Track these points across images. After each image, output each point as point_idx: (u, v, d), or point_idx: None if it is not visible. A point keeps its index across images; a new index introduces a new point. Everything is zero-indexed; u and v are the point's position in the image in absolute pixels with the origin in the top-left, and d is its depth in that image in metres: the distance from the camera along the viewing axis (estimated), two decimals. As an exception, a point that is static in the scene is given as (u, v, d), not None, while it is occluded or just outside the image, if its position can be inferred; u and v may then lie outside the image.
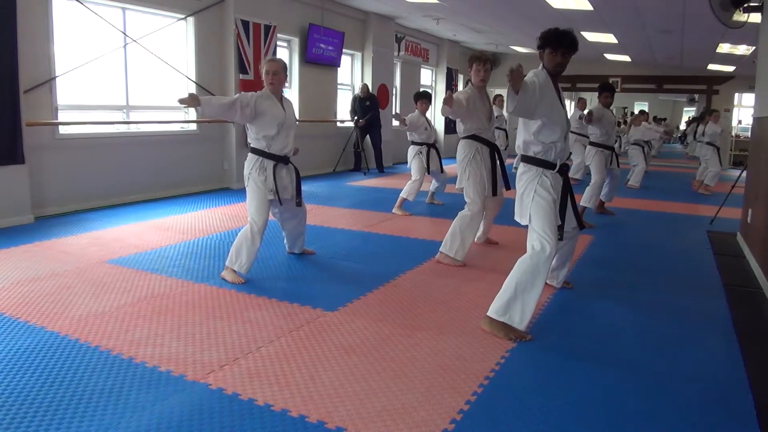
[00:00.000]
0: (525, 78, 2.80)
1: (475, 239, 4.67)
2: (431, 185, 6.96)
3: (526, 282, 2.88)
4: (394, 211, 6.31)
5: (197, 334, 2.88)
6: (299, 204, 4.04)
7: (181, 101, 3.48)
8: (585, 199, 5.96)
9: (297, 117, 4.03)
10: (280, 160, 3.84)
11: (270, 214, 3.90)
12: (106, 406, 2.17)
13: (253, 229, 3.72)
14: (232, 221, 5.69)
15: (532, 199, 3.00)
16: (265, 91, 3.77)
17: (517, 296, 2.89)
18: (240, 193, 7.46)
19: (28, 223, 5.34)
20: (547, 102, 2.94)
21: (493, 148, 4.37)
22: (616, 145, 14.42)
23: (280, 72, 3.77)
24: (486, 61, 4.24)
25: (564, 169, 3.11)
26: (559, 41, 2.94)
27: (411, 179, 6.38)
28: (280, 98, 3.83)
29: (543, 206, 2.97)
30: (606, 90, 6.02)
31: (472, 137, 4.32)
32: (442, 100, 4.03)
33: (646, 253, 4.97)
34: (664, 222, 6.50)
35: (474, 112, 4.25)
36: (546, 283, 3.67)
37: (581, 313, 3.39)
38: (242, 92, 3.74)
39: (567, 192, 3.13)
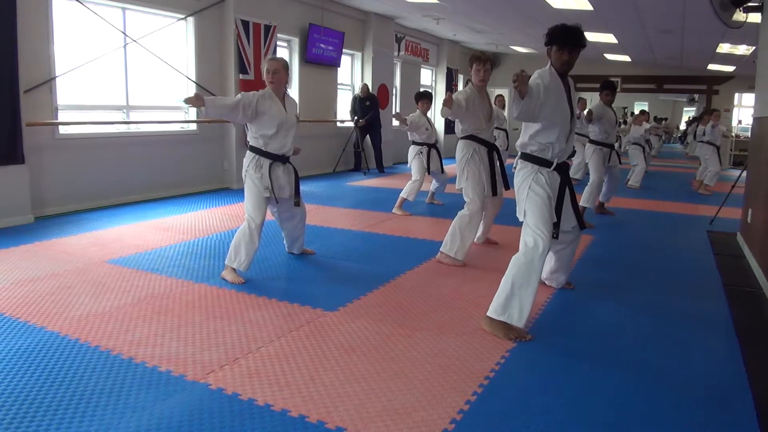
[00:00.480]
0: (529, 81, 2.78)
1: (475, 240, 4.67)
2: (431, 185, 6.96)
3: (522, 279, 2.88)
4: (394, 210, 6.32)
5: (197, 334, 2.88)
6: (297, 204, 4.03)
7: (187, 101, 3.50)
8: (584, 199, 5.95)
9: (299, 116, 4.01)
10: (278, 159, 3.83)
11: (269, 213, 3.91)
12: (106, 406, 2.18)
13: (251, 226, 3.73)
14: (232, 221, 5.69)
15: (526, 195, 3.02)
16: (267, 90, 3.76)
17: (513, 294, 2.89)
18: (240, 192, 7.45)
19: (28, 223, 5.34)
20: (550, 103, 2.92)
21: (491, 149, 4.36)
22: (616, 145, 14.43)
23: (280, 70, 3.75)
24: (486, 61, 4.21)
25: (563, 168, 3.10)
26: (566, 38, 2.90)
27: (411, 179, 6.38)
28: (283, 97, 3.83)
29: (537, 202, 2.98)
30: (606, 88, 6.00)
31: (470, 137, 4.32)
32: (441, 102, 4.02)
33: (646, 253, 4.96)
34: (664, 222, 6.50)
35: (473, 112, 4.23)
36: (545, 285, 3.68)
37: (581, 313, 3.39)
38: (244, 92, 3.73)
39: (565, 190, 3.14)
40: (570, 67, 2.98)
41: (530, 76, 2.89)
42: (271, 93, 3.76)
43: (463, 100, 4.14)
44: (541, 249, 2.90)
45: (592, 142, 6.23)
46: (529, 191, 3.02)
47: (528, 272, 2.89)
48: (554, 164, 3.05)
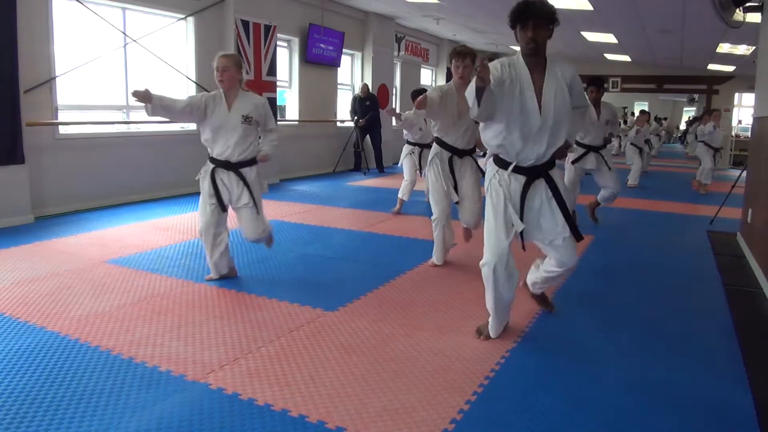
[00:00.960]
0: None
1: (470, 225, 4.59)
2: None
3: (486, 291, 2.84)
4: (393, 211, 6.30)
5: (197, 334, 2.88)
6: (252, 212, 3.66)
7: (135, 94, 3.26)
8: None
9: (253, 117, 3.58)
10: (221, 165, 3.57)
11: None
12: (106, 406, 2.18)
13: (199, 234, 3.66)
14: (232, 221, 5.67)
15: (486, 200, 2.76)
16: (219, 90, 3.55)
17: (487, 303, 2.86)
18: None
19: (28, 223, 5.34)
20: (503, 97, 2.54)
21: (456, 153, 3.98)
22: (615, 145, 14.30)
23: (230, 68, 3.46)
24: (465, 56, 3.71)
25: (535, 170, 2.70)
26: (523, 12, 2.51)
27: (404, 179, 6.37)
28: (234, 97, 3.55)
29: (489, 210, 2.73)
30: (591, 84, 5.47)
31: (436, 140, 4.03)
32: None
33: (645, 252, 4.96)
34: (664, 222, 6.50)
35: (442, 112, 3.85)
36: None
37: (581, 312, 3.38)
38: (194, 94, 3.55)
39: (534, 194, 2.72)
40: (537, 46, 2.54)
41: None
42: (220, 94, 3.53)
43: (437, 97, 3.74)
44: (489, 263, 2.72)
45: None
46: (487, 195, 2.75)
47: (486, 285, 2.79)
48: (512, 166, 2.68)
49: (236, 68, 3.51)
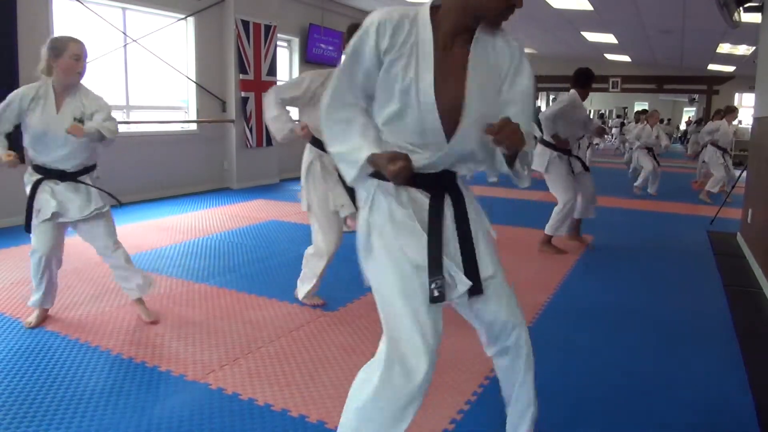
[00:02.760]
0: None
1: None
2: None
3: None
4: None
5: (197, 334, 2.88)
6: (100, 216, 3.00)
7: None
8: (550, 227, 4.49)
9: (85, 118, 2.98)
10: (52, 175, 2.94)
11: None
12: (106, 406, 2.18)
13: (33, 258, 2.98)
14: (232, 221, 5.69)
15: (363, 245, 1.62)
16: (49, 83, 2.89)
17: None
18: (240, 192, 7.46)
19: (28, 223, 5.33)
20: (387, 73, 1.57)
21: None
22: (618, 143, 14.08)
23: (83, 57, 2.89)
24: (352, 32, 2.42)
25: (445, 181, 1.60)
26: None
27: None
28: (74, 93, 2.99)
29: (381, 257, 1.59)
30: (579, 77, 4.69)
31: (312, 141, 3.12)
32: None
33: (645, 253, 4.96)
34: (664, 222, 6.50)
35: (312, 102, 2.96)
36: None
37: (580, 312, 3.38)
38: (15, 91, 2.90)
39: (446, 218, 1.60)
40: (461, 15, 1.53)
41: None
42: (47, 88, 2.86)
43: (305, 84, 3.03)
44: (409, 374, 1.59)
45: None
46: (369, 237, 1.59)
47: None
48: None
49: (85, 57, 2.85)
